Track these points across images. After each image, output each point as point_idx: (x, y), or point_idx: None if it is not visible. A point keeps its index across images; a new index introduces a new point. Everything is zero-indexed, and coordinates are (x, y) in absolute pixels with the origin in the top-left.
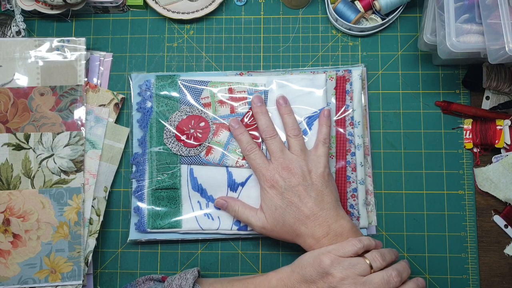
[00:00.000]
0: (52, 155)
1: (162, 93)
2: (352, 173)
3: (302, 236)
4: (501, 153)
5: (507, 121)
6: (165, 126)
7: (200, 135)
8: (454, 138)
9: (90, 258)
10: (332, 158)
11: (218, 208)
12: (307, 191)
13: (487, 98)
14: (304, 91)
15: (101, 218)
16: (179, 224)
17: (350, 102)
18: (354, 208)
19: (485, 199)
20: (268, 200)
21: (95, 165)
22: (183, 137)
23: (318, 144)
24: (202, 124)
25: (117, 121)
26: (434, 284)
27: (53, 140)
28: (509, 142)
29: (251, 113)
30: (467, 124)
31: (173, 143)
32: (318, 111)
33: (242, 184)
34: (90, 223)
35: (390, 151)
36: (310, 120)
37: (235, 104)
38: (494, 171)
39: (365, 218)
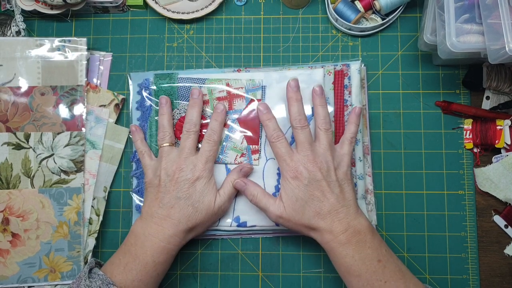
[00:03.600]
0: (52, 155)
1: (161, 91)
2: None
3: (319, 230)
4: (501, 153)
5: (507, 121)
6: None
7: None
8: (454, 138)
9: (89, 258)
10: None
11: None
12: (330, 186)
13: (487, 98)
14: (302, 86)
15: (101, 218)
16: None
17: (349, 96)
18: None
19: (485, 199)
20: (290, 191)
21: (95, 165)
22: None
23: (344, 142)
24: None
25: (117, 121)
26: (434, 284)
27: (53, 140)
28: (509, 142)
29: (247, 111)
30: (467, 124)
31: None
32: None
33: None
34: (90, 223)
35: (390, 151)
36: (309, 116)
37: (233, 100)
38: (494, 171)
39: (364, 212)
